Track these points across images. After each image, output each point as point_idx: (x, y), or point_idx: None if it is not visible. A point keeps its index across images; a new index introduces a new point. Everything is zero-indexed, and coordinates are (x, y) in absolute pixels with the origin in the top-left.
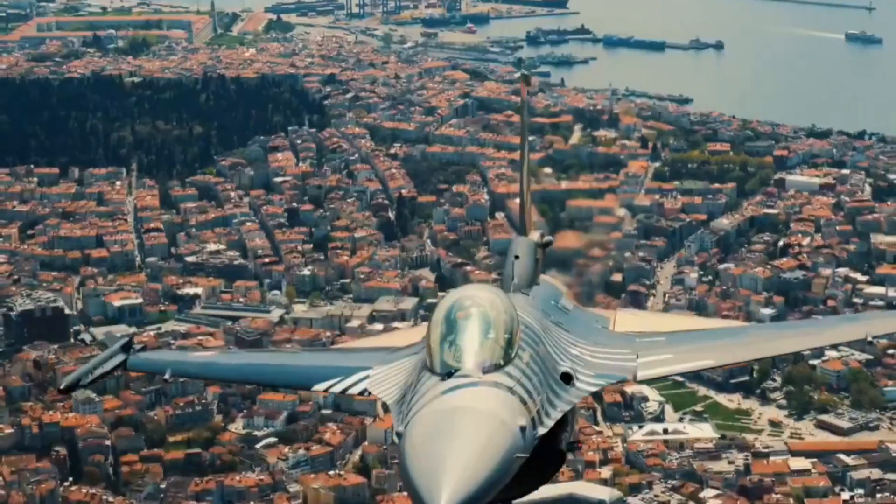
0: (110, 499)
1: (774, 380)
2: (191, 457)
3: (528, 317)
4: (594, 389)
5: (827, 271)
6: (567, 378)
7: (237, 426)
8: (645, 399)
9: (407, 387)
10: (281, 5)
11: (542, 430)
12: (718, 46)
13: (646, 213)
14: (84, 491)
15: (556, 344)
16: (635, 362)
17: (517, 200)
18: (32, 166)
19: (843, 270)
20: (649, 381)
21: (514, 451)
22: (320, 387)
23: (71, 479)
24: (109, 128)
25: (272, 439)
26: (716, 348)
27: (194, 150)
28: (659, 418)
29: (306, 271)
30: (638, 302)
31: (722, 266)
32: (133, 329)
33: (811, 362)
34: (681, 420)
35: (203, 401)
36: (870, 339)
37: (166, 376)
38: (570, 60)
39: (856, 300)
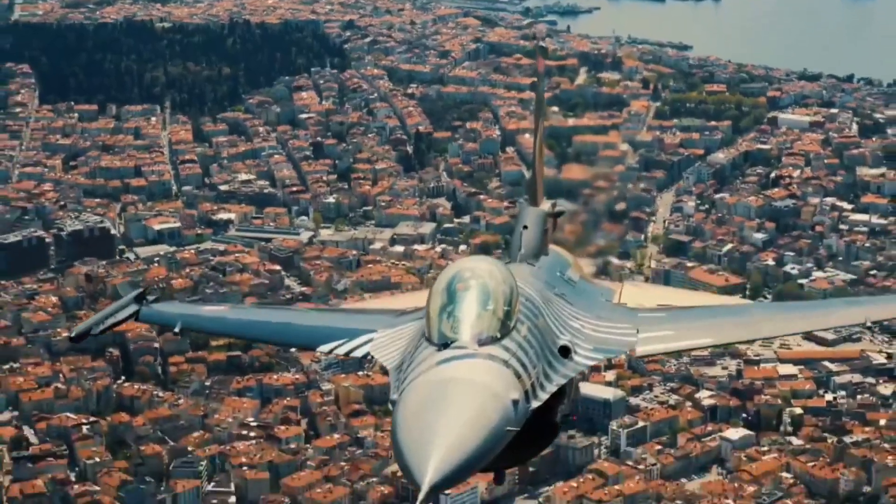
0: (160, 394)
1: (766, 297)
2: (232, 358)
3: (530, 288)
4: (592, 363)
5: (815, 200)
6: (565, 351)
7: None
8: None
9: (405, 354)
10: None
11: (535, 404)
12: None
13: (647, 147)
14: (136, 387)
15: (557, 316)
16: (635, 337)
17: (527, 136)
18: (72, 103)
19: (830, 200)
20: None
21: (505, 425)
22: (325, 348)
23: (123, 377)
24: (143, 69)
25: None
26: (716, 327)
27: (223, 90)
28: None
29: (331, 199)
30: (639, 227)
31: (718, 196)
32: (174, 248)
33: (800, 282)
34: None
35: None
36: (868, 323)
37: (176, 329)
38: (576, 10)
39: (842, 227)
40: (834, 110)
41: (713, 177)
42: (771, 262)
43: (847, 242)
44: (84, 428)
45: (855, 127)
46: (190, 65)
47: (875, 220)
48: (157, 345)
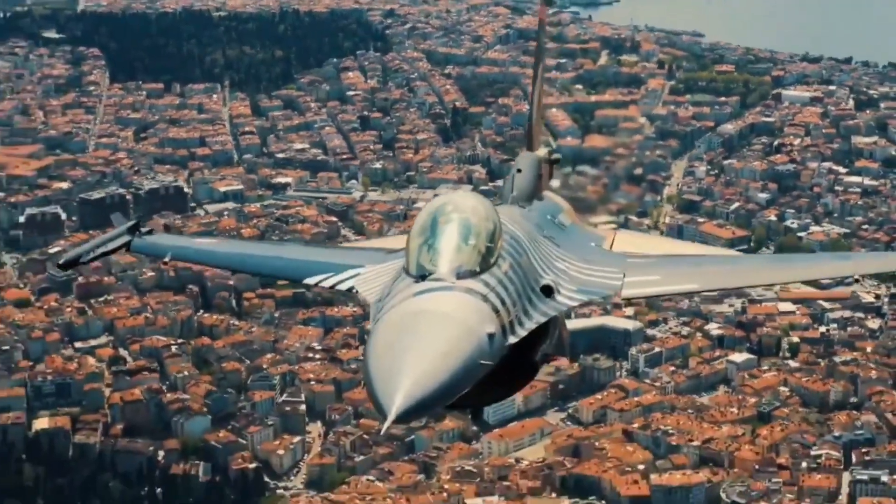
0: (235, 323)
1: (769, 248)
2: (297, 294)
3: (517, 228)
4: (575, 304)
5: (814, 164)
6: (548, 291)
7: None
8: None
9: (384, 288)
10: None
11: (512, 340)
12: None
13: (662, 120)
14: (214, 317)
15: (543, 256)
16: (621, 281)
17: (545, 112)
18: (140, 82)
19: (827, 164)
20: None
21: (478, 358)
22: (311, 280)
23: (202, 310)
24: (203, 52)
25: None
26: (704, 274)
27: (277, 71)
28: None
29: (378, 165)
30: (656, 189)
31: (726, 161)
32: (240, 205)
33: (799, 235)
34: None
35: None
36: (856, 277)
37: (166, 259)
38: (597, 1)
39: (837, 188)
40: (832, 87)
41: (722, 145)
42: (773, 218)
43: (842, 201)
44: (173, 348)
45: (851, 102)
46: (245, 48)
47: (867, 181)
48: (231, 281)
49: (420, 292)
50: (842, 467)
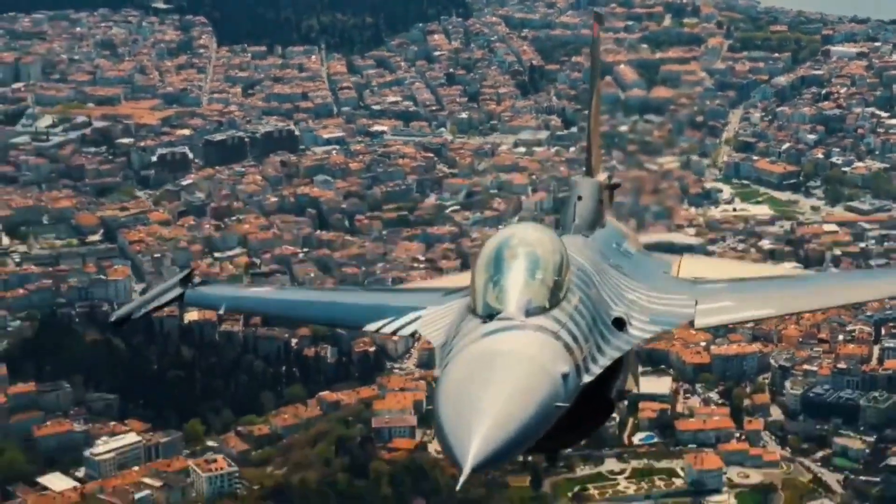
0: (350, 238)
1: (816, 181)
2: (401, 216)
3: (583, 258)
4: (648, 336)
5: (858, 109)
6: (620, 324)
7: (431, 200)
8: (719, 191)
9: (450, 329)
10: None
11: (587, 378)
12: None
13: (721, 74)
14: (331, 234)
15: (612, 288)
16: (693, 309)
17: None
18: (245, 45)
19: (870, 109)
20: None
21: (554, 400)
22: (371, 326)
23: (320, 229)
24: (299, 18)
25: (457, 206)
26: (778, 298)
27: (368, 35)
28: (730, 202)
29: (464, 115)
30: (715, 133)
31: (778, 109)
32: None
33: (843, 169)
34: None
35: (406, 183)
36: None
37: (220, 311)
38: None
39: (879, 129)
40: (878, 43)
41: (775, 95)
42: (820, 157)
43: (883, 140)
44: (299, 255)
45: (895, 56)
46: (338, 14)
47: None
48: (343, 205)
49: (488, 333)
50: (872, 339)
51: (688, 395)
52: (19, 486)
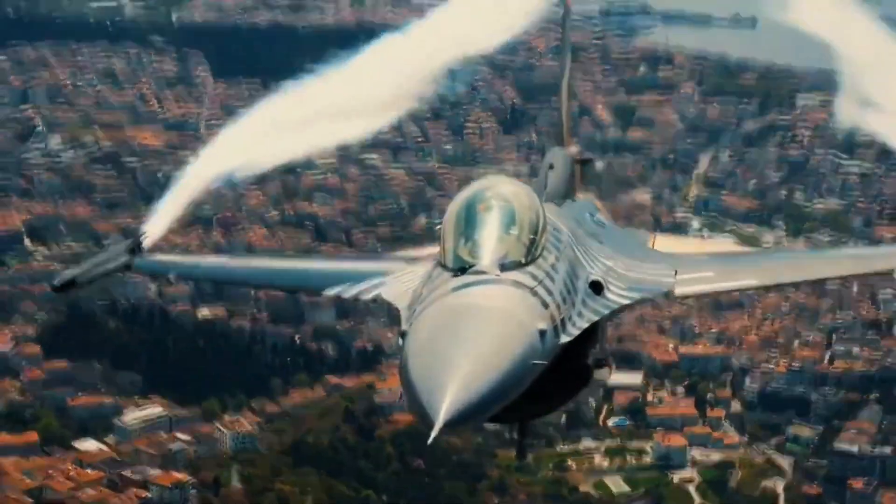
0: (347, 249)
1: (779, 217)
2: (395, 233)
3: (559, 221)
4: (626, 303)
5: (821, 151)
6: (597, 287)
7: (422, 220)
8: (690, 222)
9: (417, 290)
10: None
11: (565, 339)
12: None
13: (693, 118)
14: (329, 246)
15: (588, 252)
16: (673, 278)
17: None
18: (241, 78)
19: (832, 151)
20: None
21: (531, 357)
22: (331, 291)
23: (319, 241)
24: (293, 55)
25: None
26: (759, 269)
27: None
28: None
29: (448, 147)
30: (686, 170)
31: (746, 149)
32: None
33: (804, 206)
34: None
35: (399, 204)
36: None
37: (170, 277)
38: (634, 28)
39: (839, 171)
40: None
41: (743, 139)
42: (784, 194)
43: (843, 180)
44: None
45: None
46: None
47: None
48: (341, 221)
49: (460, 286)
50: (825, 345)
51: (657, 389)
52: (55, 448)
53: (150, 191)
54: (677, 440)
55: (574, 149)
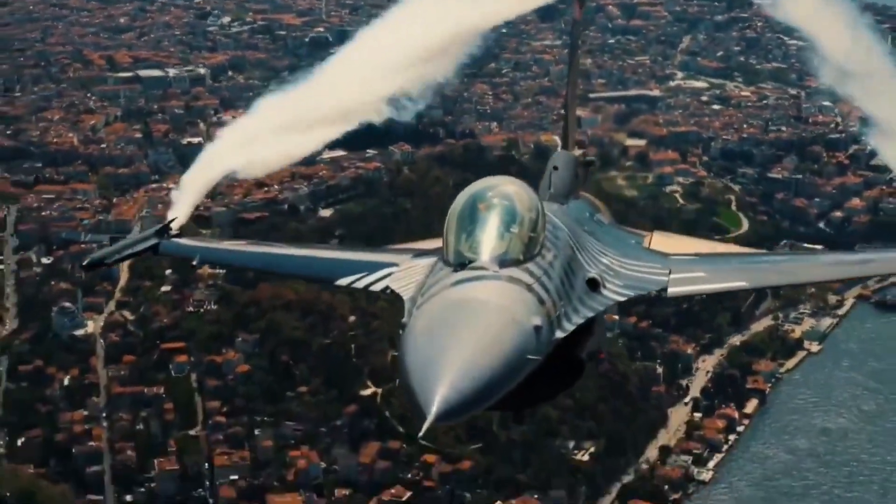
0: None
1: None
2: None
3: (559, 220)
4: (621, 300)
5: (769, 34)
6: (594, 284)
7: None
8: (675, 74)
9: (421, 282)
10: None
11: (560, 334)
12: None
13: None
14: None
15: (586, 250)
16: (667, 277)
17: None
18: None
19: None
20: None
21: (526, 352)
22: (343, 281)
23: None
24: None
25: None
26: (751, 270)
27: None
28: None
29: None
30: (673, 46)
31: (716, 34)
32: None
33: (756, 66)
34: None
35: None
36: None
37: (194, 262)
38: None
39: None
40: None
41: (715, 27)
42: (741, 60)
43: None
44: None
45: None
46: None
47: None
48: None
49: (460, 281)
50: None
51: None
52: None
53: None
54: (668, 171)
55: (578, 152)
